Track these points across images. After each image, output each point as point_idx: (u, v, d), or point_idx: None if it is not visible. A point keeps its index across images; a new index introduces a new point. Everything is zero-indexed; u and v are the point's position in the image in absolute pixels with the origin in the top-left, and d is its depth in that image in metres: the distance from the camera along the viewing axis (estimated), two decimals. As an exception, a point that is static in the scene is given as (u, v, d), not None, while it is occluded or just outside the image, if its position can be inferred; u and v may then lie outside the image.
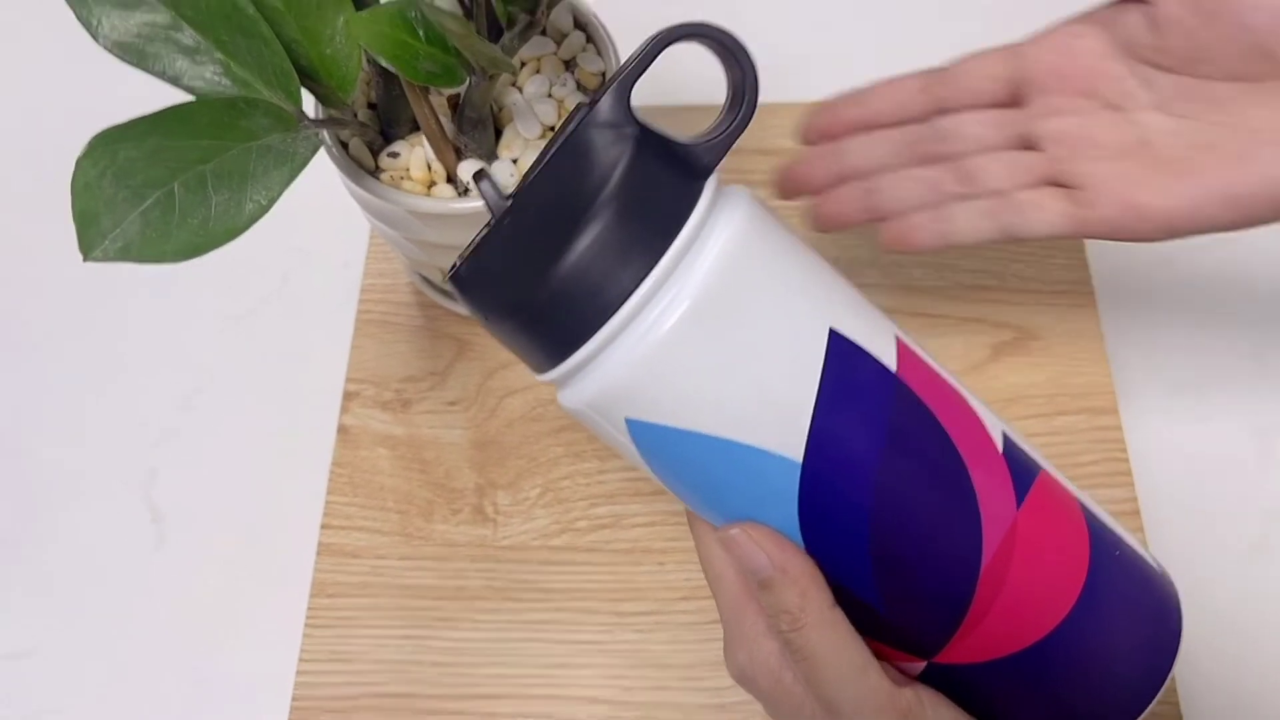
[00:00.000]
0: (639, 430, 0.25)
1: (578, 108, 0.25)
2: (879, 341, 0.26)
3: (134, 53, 0.33)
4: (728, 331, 0.24)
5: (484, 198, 0.25)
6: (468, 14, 0.40)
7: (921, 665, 0.28)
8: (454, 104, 0.42)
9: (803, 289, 0.26)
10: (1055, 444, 0.46)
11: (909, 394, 0.26)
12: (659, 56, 0.25)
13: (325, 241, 0.53)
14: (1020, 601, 0.27)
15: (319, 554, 0.45)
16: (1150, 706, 0.28)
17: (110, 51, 0.32)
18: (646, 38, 0.25)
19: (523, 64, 0.43)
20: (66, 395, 0.51)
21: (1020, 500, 0.27)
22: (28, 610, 0.46)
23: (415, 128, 0.41)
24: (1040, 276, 0.50)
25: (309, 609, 0.44)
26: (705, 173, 0.25)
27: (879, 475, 0.25)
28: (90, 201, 0.29)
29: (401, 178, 0.41)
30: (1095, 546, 0.28)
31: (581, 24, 0.43)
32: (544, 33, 0.43)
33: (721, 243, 0.24)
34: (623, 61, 0.26)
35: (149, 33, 0.33)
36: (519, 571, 0.44)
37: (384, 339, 0.49)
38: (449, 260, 0.44)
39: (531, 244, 0.24)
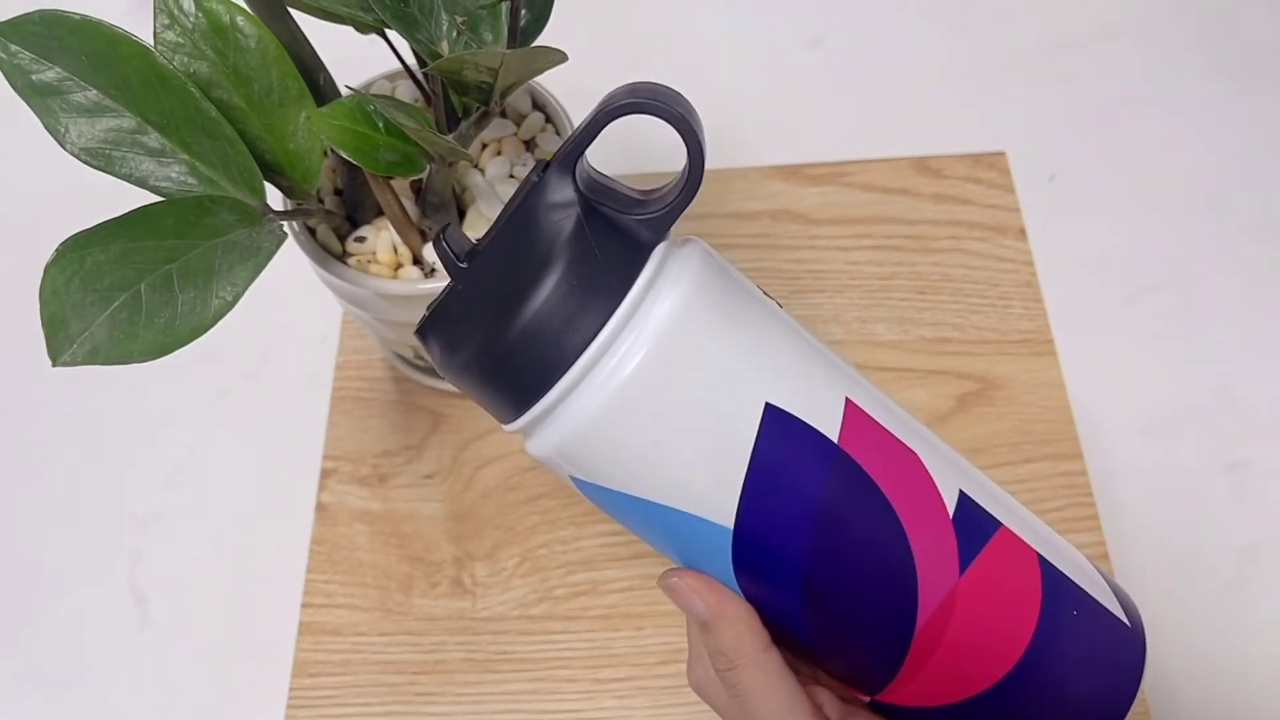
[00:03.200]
0: (585, 487, 0.27)
1: (527, 179, 0.26)
2: (823, 409, 0.26)
3: (101, 158, 0.34)
4: (663, 402, 0.25)
5: (441, 259, 0.26)
6: (428, 101, 0.42)
7: (867, 699, 0.29)
8: (417, 188, 0.43)
9: (743, 359, 0.26)
10: (1021, 492, 0.46)
11: (849, 463, 0.26)
12: (606, 128, 0.26)
13: (303, 320, 0.54)
14: (958, 659, 0.27)
15: (300, 633, 0.45)
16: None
17: (78, 158, 0.33)
18: (593, 109, 0.26)
19: (484, 145, 0.44)
20: (49, 479, 0.51)
21: (965, 565, 0.27)
22: (14, 695, 0.46)
23: (380, 212, 0.42)
24: (1000, 326, 0.51)
25: (290, 689, 0.44)
26: (652, 243, 0.26)
27: (812, 542, 0.26)
28: (58, 307, 0.29)
29: (369, 261, 0.42)
30: (1047, 604, 0.28)
31: (540, 105, 0.45)
32: (503, 114, 0.45)
33: (663, 312, 0.25)
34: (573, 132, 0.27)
35: (115, 138, 0.34)
36: (498, 642, 0.44)
37: (359, 415, 0.50)
38: (418, 338, 0.45)
39: (486, 305, 0.26)
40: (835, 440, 0.26)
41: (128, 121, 0.34)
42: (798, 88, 0.61)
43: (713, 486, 0.26)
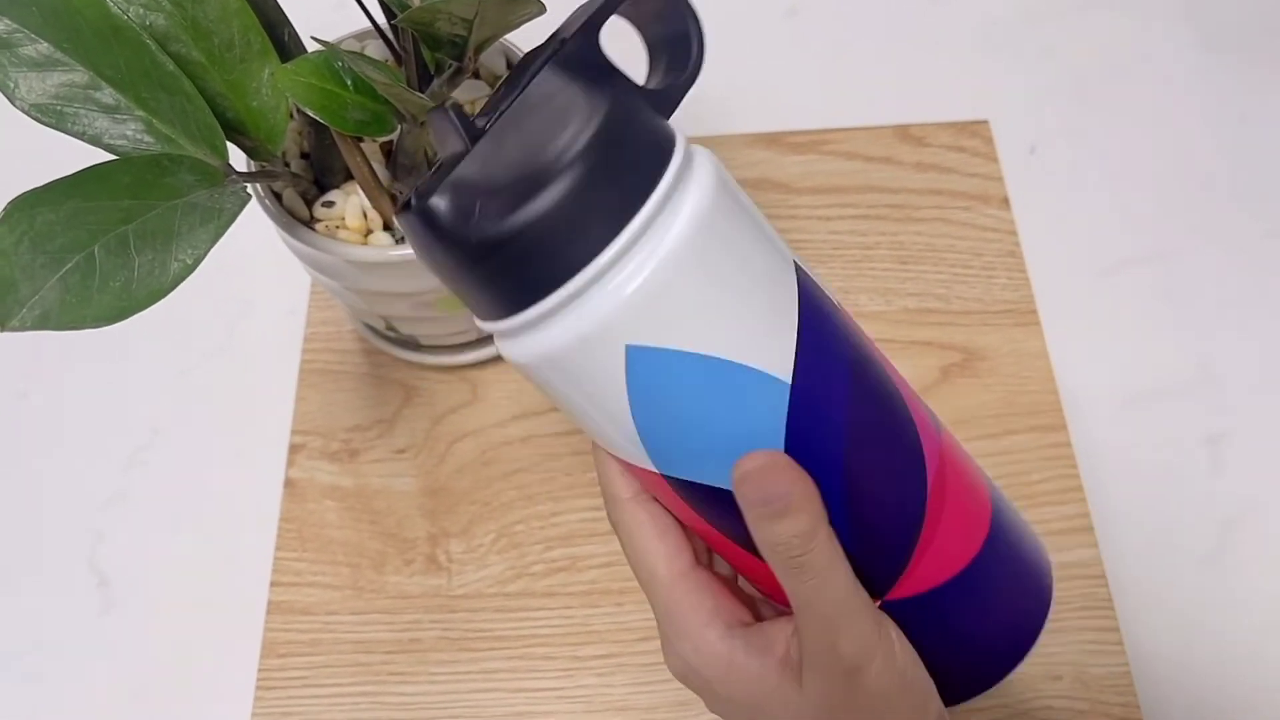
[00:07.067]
0: (639, 359, 0.24)
1: (548, 43, 0.25)
2: (826, 286, 0.28)
3: (52, 114, 0.32)
4: (721, 258, 0.25)
5: (453, 125, 0.24)
6: (398, 60, 0.40)
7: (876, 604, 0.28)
8: (387, 150, 0.41)
9: (770, 229, 0.27)
10: (1005, 464, 0.46)
11: (856, 329, 0.28)
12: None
13: (269, 291, 0.52)
14: (953, 525, 0.28)
15: (269, 612, 0.44)
16: (1045, 627, 0.31)
17: (28, 114, 0.32)
18: None
19: (457, 108, 0.42)
20: (8, 459, 0.49)
21: (940, 431, 0.29)
22: (-31, 685, 0.44)
23: (349, 176, 0.40)
24: (984, 296, 0.50)
25: (259, 670, 0.43)
26: (669, 112, 0.26)
27: (850, 397, 0.26)
28: (7, 269, 0.28)
29: (337, 227, 0.40)
30: (990, 485, 0.31)
31: (514, 66, 0.43)
32: (477, 75, 0.43)
33: (705, 176, 0.25)
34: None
35: (67, 93, 0.32)
36: (474, 620, 0.43)
37: (329, 389, 0.49)
38: (390, 308, 0.43)
39: (511, 172, 0.23)
40: (839, 306, 0.28)
41: (80, 76, 0.32)
42: (777, 56, 0.59)
43: (772, 337, 0.25)
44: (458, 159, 0.24)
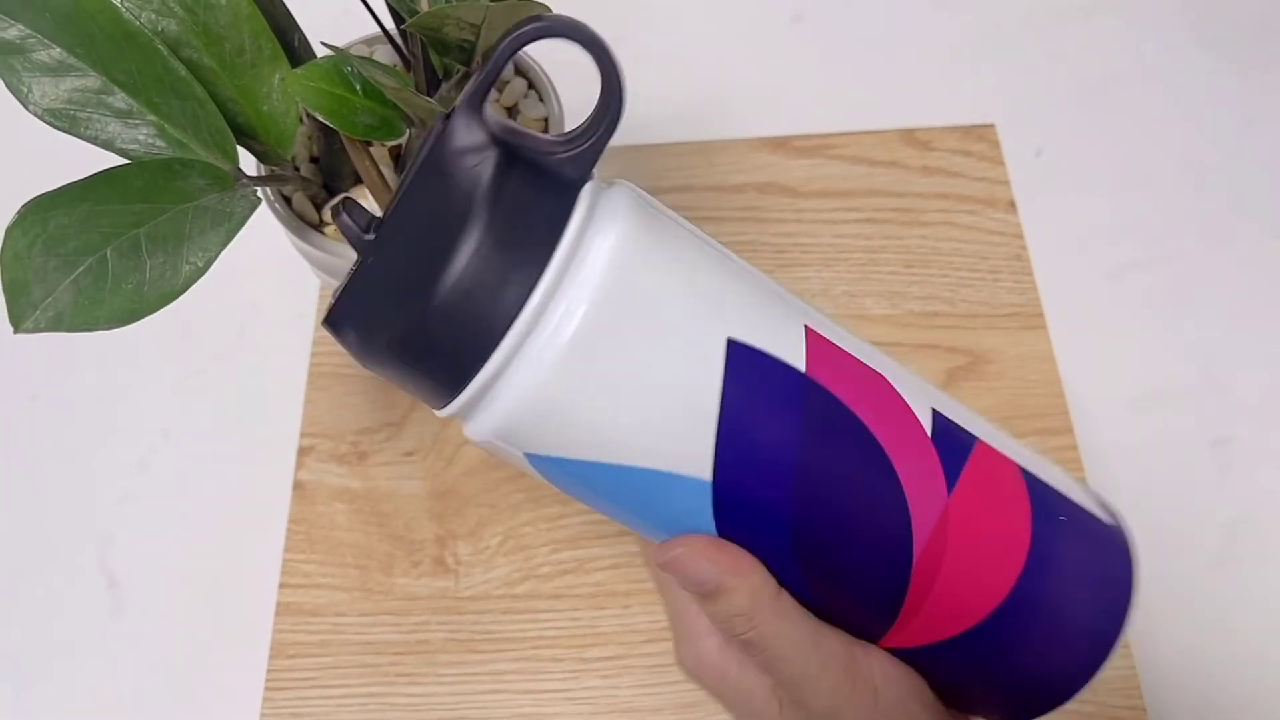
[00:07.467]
0: (541, 464, 0.25)
1: (431, 128, 0.24)
2: (785, 339, 0.25)
3: (66, 119, 0.32)
4: (617, 355, 0.23)
5: (345, 234, 0.24)
6: (406, 65, 0.41)
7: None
8: (396, 154, 0.42)
9: (694, 298, 0.24)
10: (1012, 467, 0.46)
11: (821, 392, 0.25)
12: (510, 61, 0.24)
13: (278, 294, 0.53)
14: (959, 585, 0.26)
15: (277, 613, 0.44)
16: (1105, 666, 0.28)
17: (41, 119, 0.32)
18: (502, 42, 0.24)
19: (465, 112, 0.43)
20: (19, 461, 0.50)
21: (952, 484, 0.26)
22: (-20, 686, 0.45)
23: (359, 180, 0.41)
24: (990, 300, 0.50)
25: (268, 671, 0.43)
26: (578, 183, 0.24)
27: (795, 483, 0.25)
28: (20, 272, 0.28)
29: (346, 230, 0.40)
30: (1037, 515, 0.27)
31: (522, 71, 0.44)
32: (485, 81, 0.43)
33: (603, 255, 0.23)
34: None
35: (80, 98, 0.32)
36: (482, 622, 0.43)
37: (337, 391, 0.49)
38: (398, 311, 0.43)
39: (401, 277, 0.23)
40: (803, 370, 0.25)
41: (93, 81, 0.33)
42: (783, 61, 0.60)
43: (685, 438, 0.24)
44: (356, 266, 0.24)
